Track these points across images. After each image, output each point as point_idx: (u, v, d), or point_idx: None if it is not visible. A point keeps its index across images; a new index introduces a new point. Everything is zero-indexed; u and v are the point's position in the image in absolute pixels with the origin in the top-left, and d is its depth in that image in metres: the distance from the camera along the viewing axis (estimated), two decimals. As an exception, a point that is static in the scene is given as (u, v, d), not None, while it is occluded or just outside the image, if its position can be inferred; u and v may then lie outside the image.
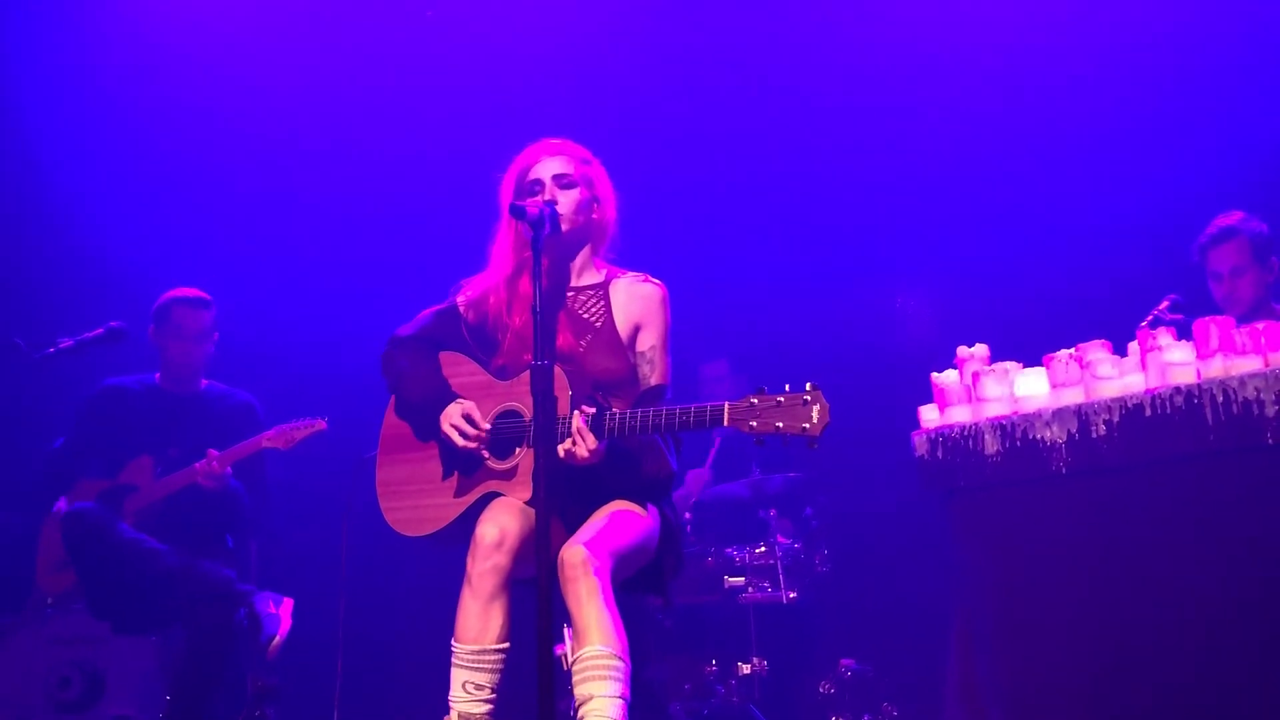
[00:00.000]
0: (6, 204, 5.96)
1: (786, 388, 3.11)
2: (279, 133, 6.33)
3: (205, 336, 4.94)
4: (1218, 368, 3.02)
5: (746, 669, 5.30)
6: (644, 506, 3.44)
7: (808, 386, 3.10)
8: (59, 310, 5.38)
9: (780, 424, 3.09)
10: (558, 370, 3.25)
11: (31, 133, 6.09)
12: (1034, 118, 6.07)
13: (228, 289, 5.74)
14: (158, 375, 5.00)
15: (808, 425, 3.07)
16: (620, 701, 3.06)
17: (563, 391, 3.29)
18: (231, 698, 4.59)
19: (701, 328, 5.83)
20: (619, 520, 3.35)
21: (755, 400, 3.12)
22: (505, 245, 3.64)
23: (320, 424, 4.74)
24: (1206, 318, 3.11)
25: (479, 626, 3.20)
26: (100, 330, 4.76)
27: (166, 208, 6.18)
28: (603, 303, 3.61)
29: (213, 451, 4.65)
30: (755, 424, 3.10)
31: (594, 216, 3.62)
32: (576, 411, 3.25)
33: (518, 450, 3.41)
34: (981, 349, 3.54)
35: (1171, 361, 3.08)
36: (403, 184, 6.31)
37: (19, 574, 4.74)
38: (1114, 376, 3.18)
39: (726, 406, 3.13)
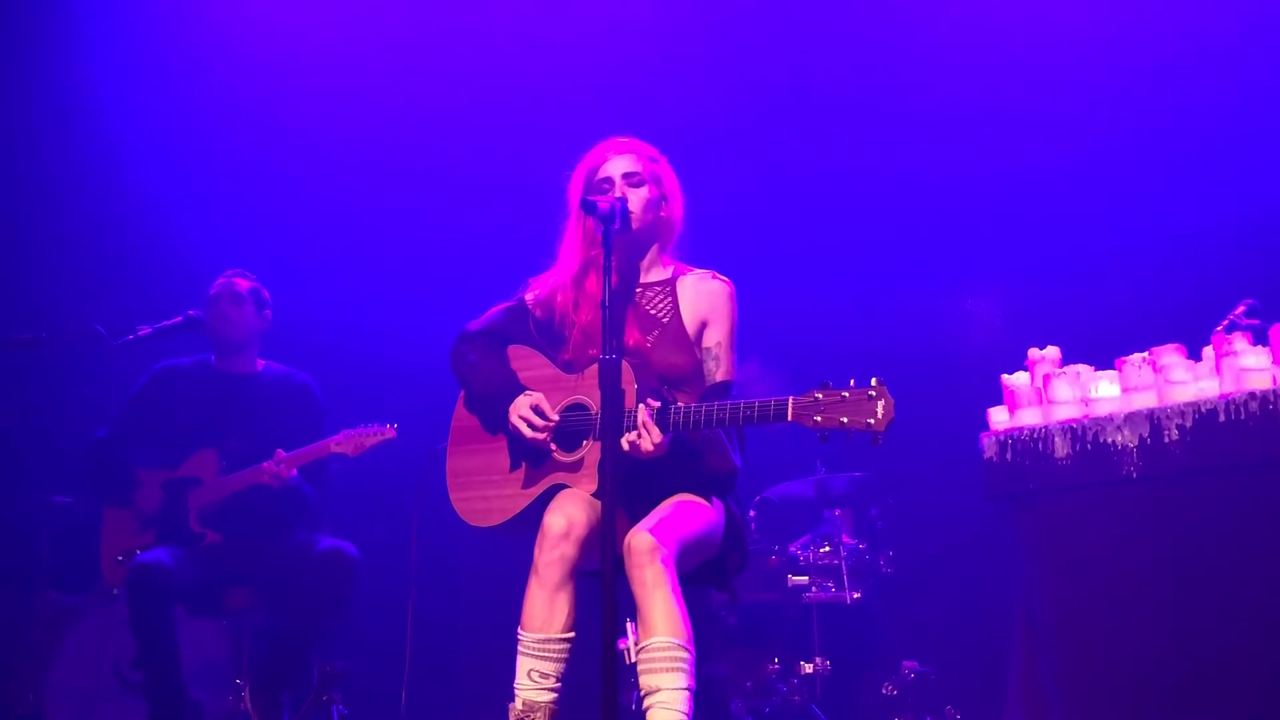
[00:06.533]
0: (91, 194, 6.11)
1: (851, 382, 3.07)
2: (353, 134, 6.42)
3: (248, 300, 4.92)
4: (1295, 373, 2.98)
5: (809, 668, 5.30)
6: (709, 499, 3.45)
7: (873, 381, 3.05)
8: (139, 299, 5.49)
9: (845, 419, 3.04)
10: (624, 364, 3.26)
11: (115, 129, 6.22)
12: (1111, 119, 5.99)
13: (303, 284, 5.85)
14: (213, 356, 4.99)
15: (873, 420, 3.02)
16: (687, 693, 3.07)
17: (629, 385, 3.30)
18: (298, 682, 4.64)
19: (766, 327, 5.82)
20: (684, 510, 3.36)
21: (820, 395, 3.08)
22: (574, 243, 3.67)
23: (390, 432, 4.74)
24: (1284, 323, 3.07)
25: (545, 615, 3.22)
26: (179, 319, 4.82)
27: (244, 201, 6.30)
28: (670, 299, 3.61)
29: (280, 452, 4.65)
30: (819, 419, 3.06)
31: (662, 214, 3.63)
32: (642, 405, 3.25)
33: (584, 443, 3.43)
34: (1053, 351, 3.52)
35: (1247, 367, 3.04)
36: (473, 183, 6.37)
37: (91, 558, 4.81)
38: (1188, 381, 3.14)
39: (791, 401, 3.10)
